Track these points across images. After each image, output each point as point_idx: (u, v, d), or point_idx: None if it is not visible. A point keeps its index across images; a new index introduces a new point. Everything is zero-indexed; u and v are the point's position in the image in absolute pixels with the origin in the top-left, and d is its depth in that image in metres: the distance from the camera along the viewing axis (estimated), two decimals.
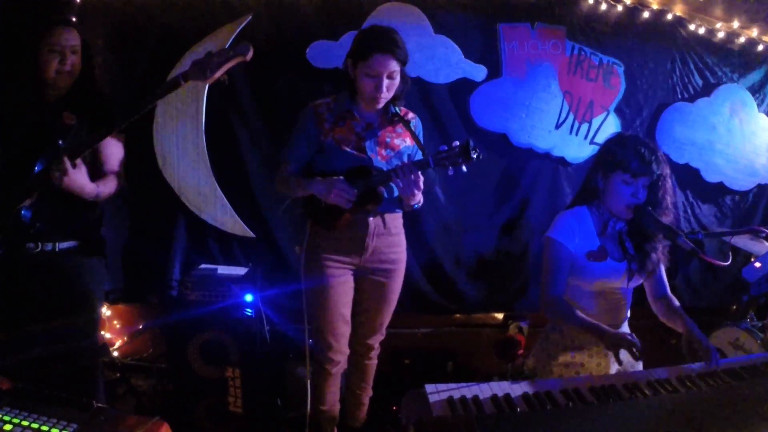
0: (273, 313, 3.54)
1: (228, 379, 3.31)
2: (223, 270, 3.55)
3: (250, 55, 2.49)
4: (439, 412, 1.80)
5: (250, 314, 3.32)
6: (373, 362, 3.26)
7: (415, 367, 4.26)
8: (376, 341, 3.19)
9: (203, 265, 3.65)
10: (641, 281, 2.65)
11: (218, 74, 2.50)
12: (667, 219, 2.48)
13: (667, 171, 2.50)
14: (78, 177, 2.57)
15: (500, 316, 4.75)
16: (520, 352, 3.63)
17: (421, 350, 4.36)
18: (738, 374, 2.20)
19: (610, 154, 2.52)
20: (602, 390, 2.02)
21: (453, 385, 1.93)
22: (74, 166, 2.52)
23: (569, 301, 2.55)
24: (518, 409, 1.85)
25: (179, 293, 3.47)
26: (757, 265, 3.70)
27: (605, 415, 1.79)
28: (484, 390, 1.95)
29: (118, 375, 3.91)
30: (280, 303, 3.57)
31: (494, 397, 1.91)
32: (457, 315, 4.75)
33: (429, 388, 1.91)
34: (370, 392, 3.34)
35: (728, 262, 2.46)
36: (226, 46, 3.83)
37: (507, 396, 1.93)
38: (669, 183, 2.52)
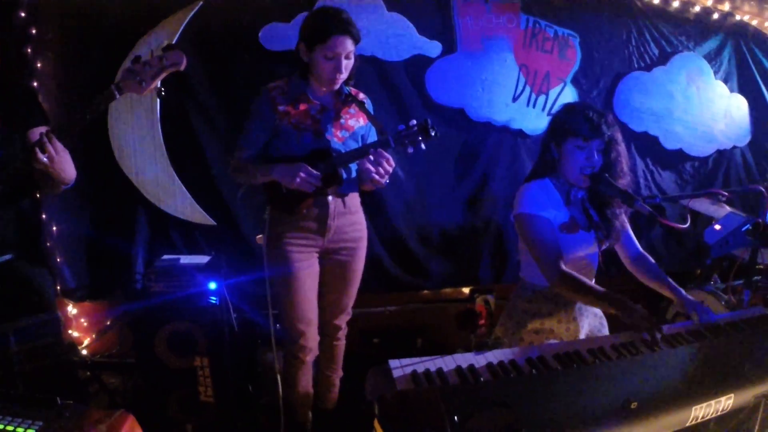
0: (240, 300, 3.51)
1: (197, 368, 3.28)
2: (185, 259, 3.51)
3: (184, 64, 2.44)
4: (402, 387, 1.79)
5: (215, 302, 3.29)
6: (342, 343, 3.25)
7: (384, 345, 4.27)
8: (343, 321, 3.18)
9: (165, 256, 3.60)
10: (608, 246, 2.66)
11: (153, 85, 2.44)
12: (623, 182, 2.49)
13: (619, 135, 2.51)
14: (66, 159, 2.45)
15: (467, 290, 4.76)
16: (482, 322, 3.62)
17: (389, 328, 4.36)
18: (700, 334, 2.22)
19: (560, 122, 2.53)
20: (567, 356, 2.03)
21: (417, 360, 1.91)
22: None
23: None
24: (482, 379, 1.86)
25: (143, 286, 3.42)
26: (717, 227, 3.77)
27: (569, 380, 1.79)
28: (448, 362, 1.94)
29: (89, 373, 3.86)
30: (246, 290, 3.54)
31: (458, 369, 1.90)
32: (425, 291, 4.76)
33: (393, 363, 1.89)
34: (340, 373, 3.33)
35: (686, 225, 2.48)
36: (178, 34, 3.85)
37: (471, 367, 1.92)
38: (622, 147, 2.52)
